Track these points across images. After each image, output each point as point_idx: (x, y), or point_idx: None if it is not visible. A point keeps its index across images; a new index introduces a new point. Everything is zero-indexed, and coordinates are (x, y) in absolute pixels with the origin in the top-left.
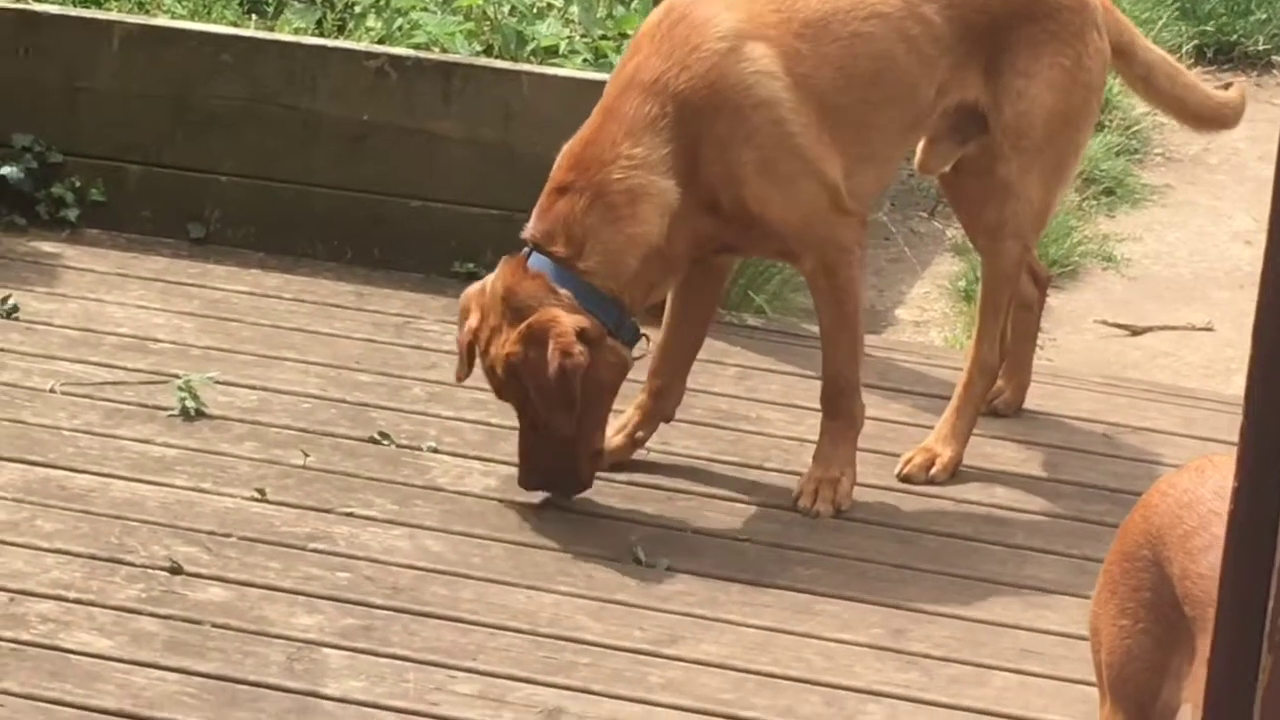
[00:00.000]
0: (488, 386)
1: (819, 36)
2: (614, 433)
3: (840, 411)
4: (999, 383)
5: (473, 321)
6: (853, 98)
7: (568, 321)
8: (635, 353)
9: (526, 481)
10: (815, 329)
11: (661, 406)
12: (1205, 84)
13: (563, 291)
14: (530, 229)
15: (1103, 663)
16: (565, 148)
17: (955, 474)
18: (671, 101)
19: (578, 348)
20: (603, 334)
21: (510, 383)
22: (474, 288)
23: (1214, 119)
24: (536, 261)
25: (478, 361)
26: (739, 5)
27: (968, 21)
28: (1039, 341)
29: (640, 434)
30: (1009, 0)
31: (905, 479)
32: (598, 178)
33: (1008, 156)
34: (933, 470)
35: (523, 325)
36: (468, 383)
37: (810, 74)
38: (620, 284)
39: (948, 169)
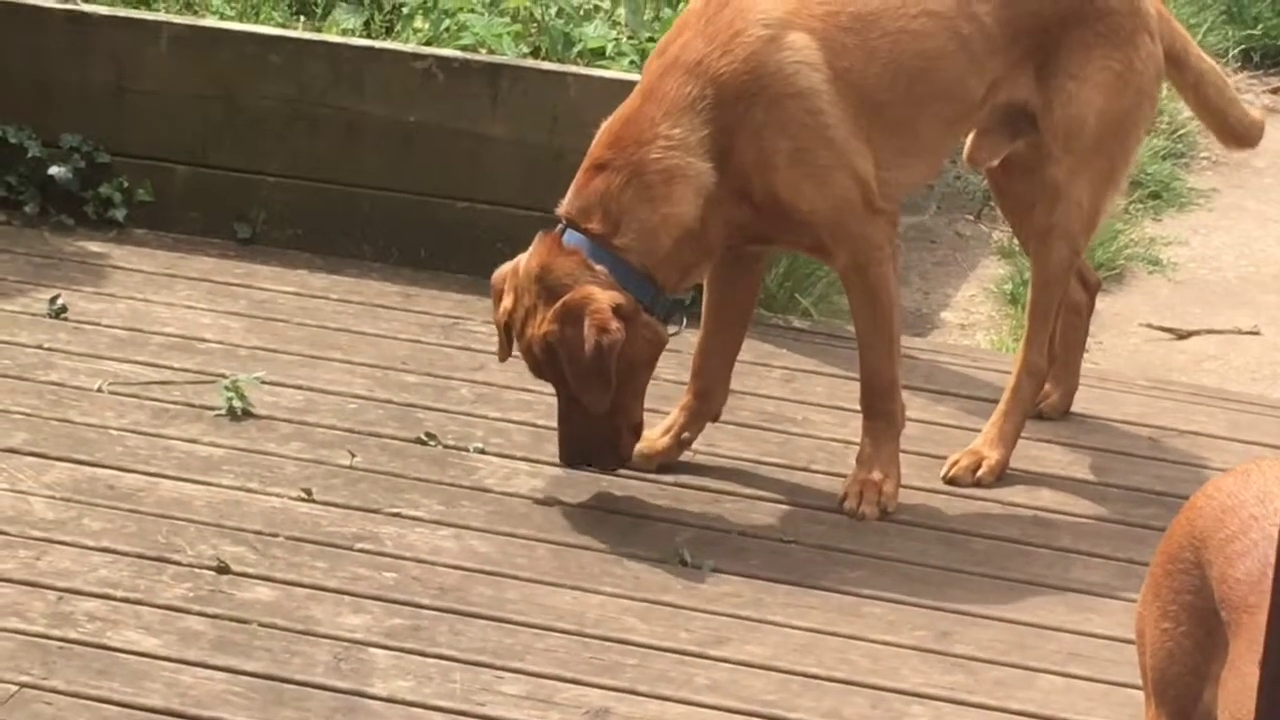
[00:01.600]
0: (533, 388)
1: (866, 30)
2: (660, 434)
3: (880, 412)
4: (1046, 387)
5: (507, 303)
6: (897, 93)
7: (604, 298)
8: (671, 329)
9: (567, 457)
10: None
11: (706, 407)
12: (1241, 101)
13: (599, 268)
14: (566, 205)
15: (1147, 665)
16: (604, 125)
17: (1002, 477)
18: (711, 84)
19: (614, 324)
20: (638, 310)
21: (548, 361)
22: (505, 267)
23: (1245, 136)
24: (572, 238)
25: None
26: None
27: (1020, 23)
28: (1085, 345)
29: (687, 435)
30: (1060, 3)
31: (951, 481)
32: (635, 156)
33: (1057, 158)
34: (979, 473)
35: (558, 303)
36: (513, 383)
37: (853, 68)
38: (654, 262)
39: (995, 163)
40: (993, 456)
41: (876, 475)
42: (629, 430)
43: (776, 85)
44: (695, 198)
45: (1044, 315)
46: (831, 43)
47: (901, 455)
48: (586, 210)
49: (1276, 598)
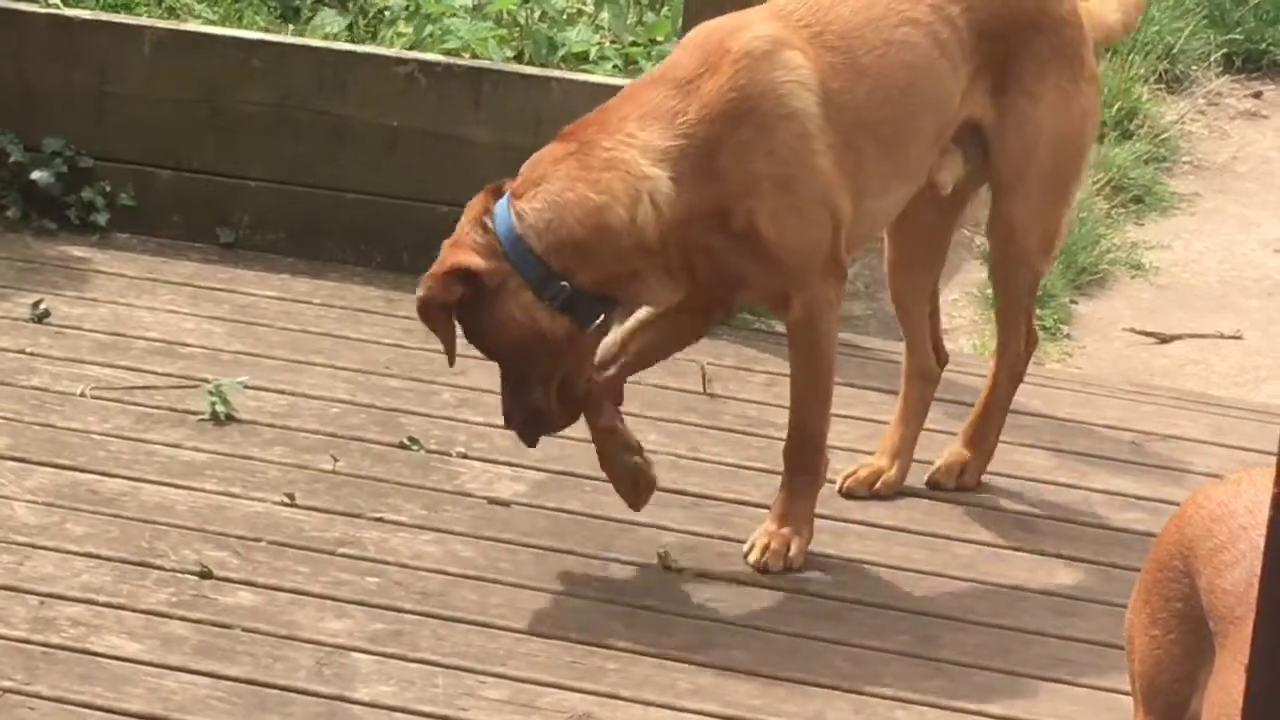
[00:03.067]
0: None
1: (853, 48)
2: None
3: (805, 466)
4: (882, 462)
5: None
6: (890, 110)
7: (456, 257)
8: (594, 325)
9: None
10: (844, 335)
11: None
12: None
13: (490, 225)
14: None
15: (1135, 671)
16: None
17: (982, 482)
18: (696, 101)
19: (435, 282)
20: (510, 284)
21: None
22: None
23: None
24: (504, 195)
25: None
26: (775, 18)
27: (983, 26)
28: (1068, 349)
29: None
30: (1019, 9)
31: (934, 485)
32: (590, 137)
33: (1012, 188)
34: (963, 477)
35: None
36: (496, 388)
37: (844, 89)
38: (551, 242)
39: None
40: (974, 460)
41: (787, 530)
42: (519, 410)
43: (767, 104)
44: (628, 198)
45: (1014, 323)
46: (822, 65)
47: None
48: (524, 166)
49: (1262, 610)
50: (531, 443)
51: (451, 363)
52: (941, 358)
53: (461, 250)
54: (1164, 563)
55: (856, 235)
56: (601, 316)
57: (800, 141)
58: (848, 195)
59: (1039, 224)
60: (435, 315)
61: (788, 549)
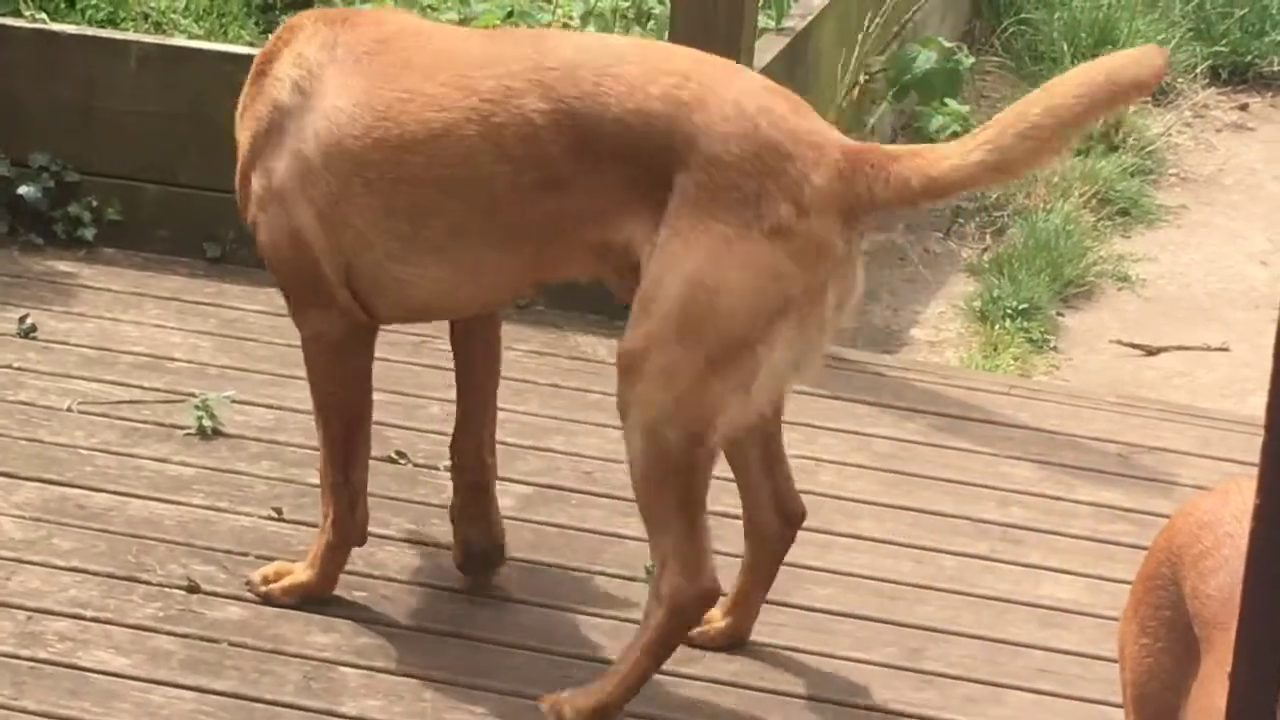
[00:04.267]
0: (502, 406)
1: (392, 80)
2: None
3: (325, 502)
4: (715, 612)
5: None
6: (383, 156)
7: None
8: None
9: None
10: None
11: (463, 483)
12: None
13: None
14: None
15: (1126, 680)
16: None
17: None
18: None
19: None
20: None
21: None
22: None
23: None
24: None
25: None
26: (365, 24)
27: (599, 145)
28: (1054, 361)
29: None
30: (649, 134)
31: None
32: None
33: (632, 323)
34: None
35: None
36: None
37: (343, 111)
38: None
39: None
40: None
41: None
42: None
43: (269, 76)
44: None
45: (659, 522)
46: (350, 79)
47: (871, 472)
48: None
49: (1244, 616)
50: None
51: None
52: (792, 513)
53: None
54: (1153, 571)
55: (386, 296)
56: None
57: (270, 122)
58: (324, 224)
59: (675, 373)
60: None
61: (276, 593)
